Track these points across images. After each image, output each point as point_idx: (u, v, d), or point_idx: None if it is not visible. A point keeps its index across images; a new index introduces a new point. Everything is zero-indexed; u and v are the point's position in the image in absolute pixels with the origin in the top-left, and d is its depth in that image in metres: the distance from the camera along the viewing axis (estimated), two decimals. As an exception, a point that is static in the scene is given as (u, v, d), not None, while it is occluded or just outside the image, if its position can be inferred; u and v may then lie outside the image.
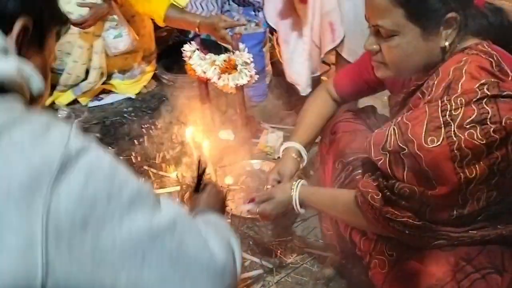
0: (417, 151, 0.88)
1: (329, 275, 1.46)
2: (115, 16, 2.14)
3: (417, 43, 0.99)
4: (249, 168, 1.88)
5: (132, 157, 1.92)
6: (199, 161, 1.14)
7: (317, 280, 1.47)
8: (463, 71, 0.91)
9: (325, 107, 1.43)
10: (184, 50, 1.74)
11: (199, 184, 1.10)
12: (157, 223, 0.59)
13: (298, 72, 1.85)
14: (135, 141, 2.06)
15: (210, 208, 0.97)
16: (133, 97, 2.43)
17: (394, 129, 0.94)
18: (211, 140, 1.92)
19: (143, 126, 2.16)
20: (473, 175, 0.87)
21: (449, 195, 0.89)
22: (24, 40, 0.67)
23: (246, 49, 1.74)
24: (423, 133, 0.88)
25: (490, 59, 0.92)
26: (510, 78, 0.91)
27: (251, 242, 1.59)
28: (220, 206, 1.04)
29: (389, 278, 1.07)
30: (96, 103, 2.40)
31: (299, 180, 1.28)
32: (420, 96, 1.01)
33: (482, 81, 0.88)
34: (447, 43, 0.98)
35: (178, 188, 1.75)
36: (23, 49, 0.68)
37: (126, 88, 2.43)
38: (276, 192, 1.29)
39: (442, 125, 0.87)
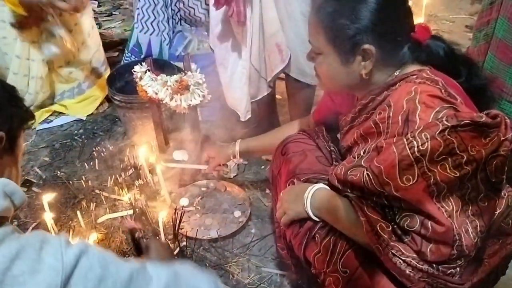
0: (395, 193, 0.89)
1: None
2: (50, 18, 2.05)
3: (336, 66, 1.07)
4: (205, 188, 1.86)
5: (82, 181, 1.85)
6: (131, 230, 1.20)
7: (274, 299, 1.46)
8: (416, 101, 0.94)
9: (297, 127, 1.51)
10: (134, 71, 1.71)
11: (139, 248, 1.17)
12: None
13: (237, 97, 1.82)
14: (86, 164, 2.00)
15: (164, 262, 1.02)
16: (84, 118, 2.36)
17: (368, 174, 0.93)
18: (165, 161, 1.90)
19: (94, 148, 2.10)
20: (451, 208, 0.88)
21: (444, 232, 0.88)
22: None
23: (198, 70, 1.74)
24: (397, 174, 0.89)
25: (437, 86, 0.96)
26: (458, 101, 0.95)
27: (207, 264, 1.57)
28: (170, 254, 1.16)
29: None
30: (44, 125, 2.32)
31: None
32: (373, 126, 1.03)
33: (437, 109, 0.92)
34: (363, 72, 1.04)
35: (131, 211, 1.71)
36: None
37: (77, 109, 2.36)
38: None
39: (414, 162, 0.88)
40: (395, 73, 1.05)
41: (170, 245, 1.20)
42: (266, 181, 1.83)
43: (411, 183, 0.88)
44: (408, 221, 0.90)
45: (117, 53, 2.73)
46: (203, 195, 1.83)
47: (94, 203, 1.78)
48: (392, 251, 0.93)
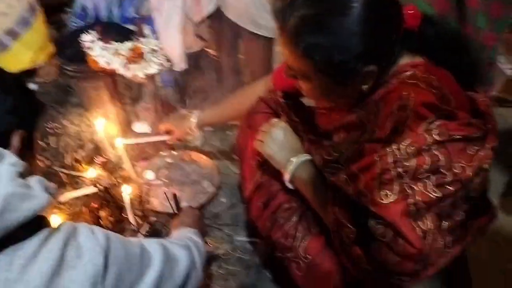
0: (371, 207, 0.83)
1: (261, 262, 1.46)
2: None
3: (330, 88, 0.93)
4: (170, 159, 1.79)
5: (38, 160, 1.74)
6: (174, 194, 1.44)
7: (249, 268, 1.46)
8: (408, 109, 0.84)
9: (254, 94, 1.38)
10: (82, 40, 1.57)
11: (178, 209, 1.43)
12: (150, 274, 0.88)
13: (172, 45, 1.74)
14: (39, 142, 1.88)
15: (186, 225, 1.26)
16: (35, 88, 2.19)
17: (346, 179, 0.88)
18: (125, 133, 1.80)
19: (47, 123, 1.96)
20: (426, 226, 0.82)
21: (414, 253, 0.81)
22: (22, 150, 0.84)
23: (155, 34, 1.62)
24: (376, 187, 0.83)
25: (433, 89, 0.86)
26: (453, 105, 0.87)
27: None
28: (195, 220, 1.33)
29: (305, 280, 1.11)
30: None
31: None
32: (358, 121, 0.94)
33: (429, 120, 0.83)
34: (365, 87, 0.92)
35: (95, 189, 1.63)
36: (23, 158, 0.80)
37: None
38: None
39: (395, 178, 0.82)
40: None
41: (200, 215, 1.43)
42: (234, 147, 1.78)
43: (389, 200, 0.82)
44: (381, 230, 0.83)
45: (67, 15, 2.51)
46: (169, 166, 1.77)
47: (55, 183, 1.68)
48: (351, 257, 0.90)
